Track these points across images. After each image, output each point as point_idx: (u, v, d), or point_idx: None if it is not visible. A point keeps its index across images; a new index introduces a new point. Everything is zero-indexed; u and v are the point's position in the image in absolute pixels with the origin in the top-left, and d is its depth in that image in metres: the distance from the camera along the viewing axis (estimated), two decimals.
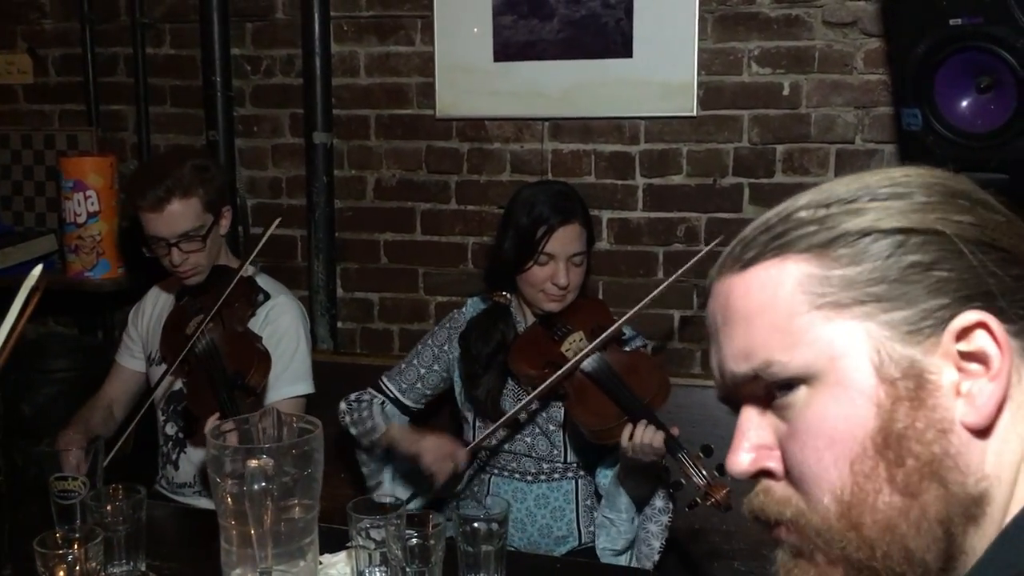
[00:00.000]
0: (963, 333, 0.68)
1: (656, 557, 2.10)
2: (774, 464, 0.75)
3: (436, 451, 2.14)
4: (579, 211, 2.18)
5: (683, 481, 1.96)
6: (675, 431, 1.97)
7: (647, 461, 1.96)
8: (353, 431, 2.31)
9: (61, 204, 2.98)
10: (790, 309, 0.71)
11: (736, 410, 0.78)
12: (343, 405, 2.34)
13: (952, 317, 0.68)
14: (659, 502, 2.10)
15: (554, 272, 2.15)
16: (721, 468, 1.93)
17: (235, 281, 2.21)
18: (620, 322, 2.16)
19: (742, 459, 0.76)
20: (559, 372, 2.09)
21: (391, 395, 2.36)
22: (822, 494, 0.70)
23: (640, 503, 2.10)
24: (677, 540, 2.58)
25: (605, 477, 2.18)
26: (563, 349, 2.17)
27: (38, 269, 1.32)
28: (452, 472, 2.13)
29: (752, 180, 2.67)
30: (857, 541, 0.69)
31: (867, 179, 0.74)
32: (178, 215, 2.23)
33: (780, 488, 0.74)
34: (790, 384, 0.72)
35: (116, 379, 2.51)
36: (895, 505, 0.68)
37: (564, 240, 2.14)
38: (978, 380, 0.68)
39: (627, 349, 2.23)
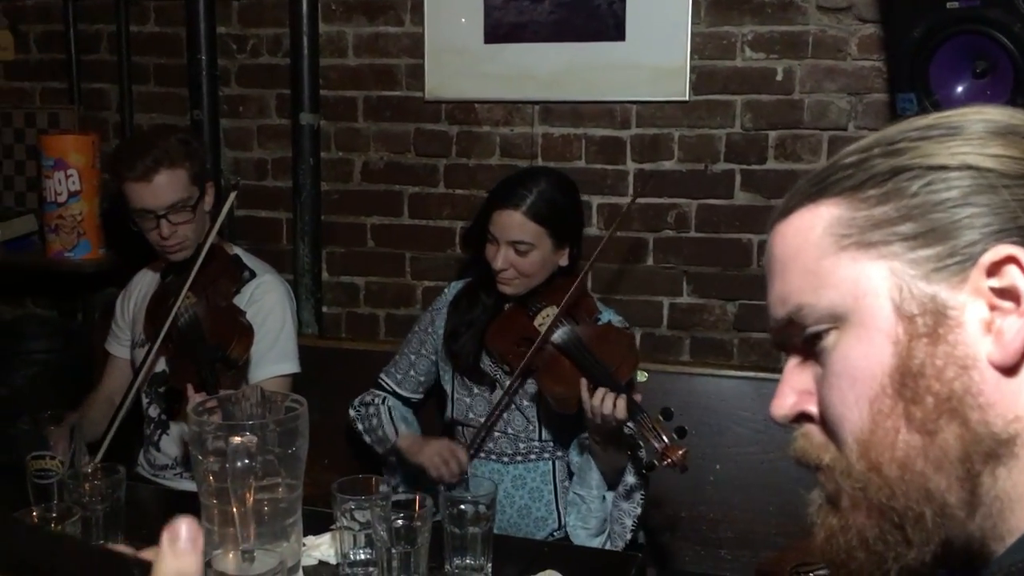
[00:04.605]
0: (994, 268, 0.66)
1: (628, 536, 2.10)
2: (813, 408, 0.75)
3: (438, 457, 2.17)
4: (530, 203, 2.12)
5: (642, 444, 1.99)
6: (637, 397, 1.98)
7: (608, 428, 1.97)
8: (367, 439, 2.33)
9: (42, 183, 2.92)
10: (819, 252, 0.72)
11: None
12: (352, 412, 2.37)
13: (983, 253, 0.66)
14: (630, 478, 2.10)
15: (496, 253, 2.16)
16: (680, 431, 1.93)
17: (206, 248, 2.16)
18: (582, 276, 2.19)
19: (782, 403, 0.76)
20: (532, 347, 2.10)
21: (389, 388, 2.38)
22: (846, 435, 0.70)
23: (611, 479, 2.10)
24: (663, 527, 2.57)
25: (576, 453, 2.18)
26: (536, 324, 2.18)
27: None
28: (457, 473, 2.16)
29: (744, 166, 2.65)
30: (878, 482, 0.68)
31: (921, 119, 0.72)
32: (166, 185, 2.20)
33: (818, 432, 0.74)
34: (821, 327, 0.72)
35: (112, 370, 2.49)
36: (913, 444, 0.67)
37: (502, 225, 2.14)
38: (1008, 316, 0.66)
39: (600, 323, 2.22)
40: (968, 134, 0.69)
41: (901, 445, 0.67)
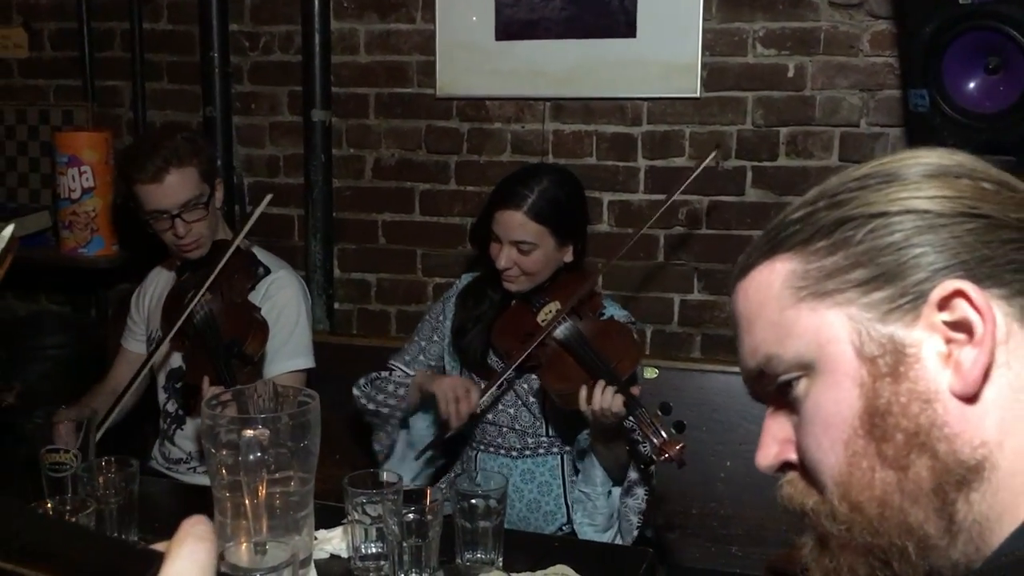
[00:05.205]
0: (944, 303, 0.69)
1: (635, 532, 2.11)
2: (794, 456, 0.77)
3: (451, 392, 2.13)
4: (531, 203, 2.12)
5: (640, 439, 1.98)
6: (635, 391, 1.98)
7: (607, 423, 1.97)
8: (371, 406, 2.30)
9: (56, 180, 2.94)
10: (780, 304, 0.75)
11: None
12: (355, 390, 2.35)
13: (932, 289, 0.69)
14: (633, 474, 2.10)
15: (499, 252, 2.16)
16: (679, 426, 1.93)
17: (231, 251, 2.19)
18: (591, 281, 2.20)
19: (766, 453, 0.79)
20: (535, 341, 2.11)
21: (400, 371, 2.39)
22: (826, 479, 0.73)
23: (615, 475, 2.11)
24: (673, 524, 2.57)
25: (579, 451, 2.19)
26: (539, 320, 2.19)
27: (9, 229, 1.27)
28: (466, 412, 2.12)
29: (755, 163, 2.65)
30: (861, 522, 0.70)
31: (858, 170, 0.76)
32: (178, 185, 2.21)
33: (799, 478, 0.77)
34: (790, 376, 0.75)
35: (122, 364, 2.49)
36: (888, 480, 0.69)
37: (504, 225, 2.15)
38: (964, 348, 0.68)
39: (603, 318, 2.23)
40: (904, 179, 0.73)
41: (878, 483, 0.70)
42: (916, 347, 0.69)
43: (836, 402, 0.71)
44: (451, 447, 2.36)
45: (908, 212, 0.71)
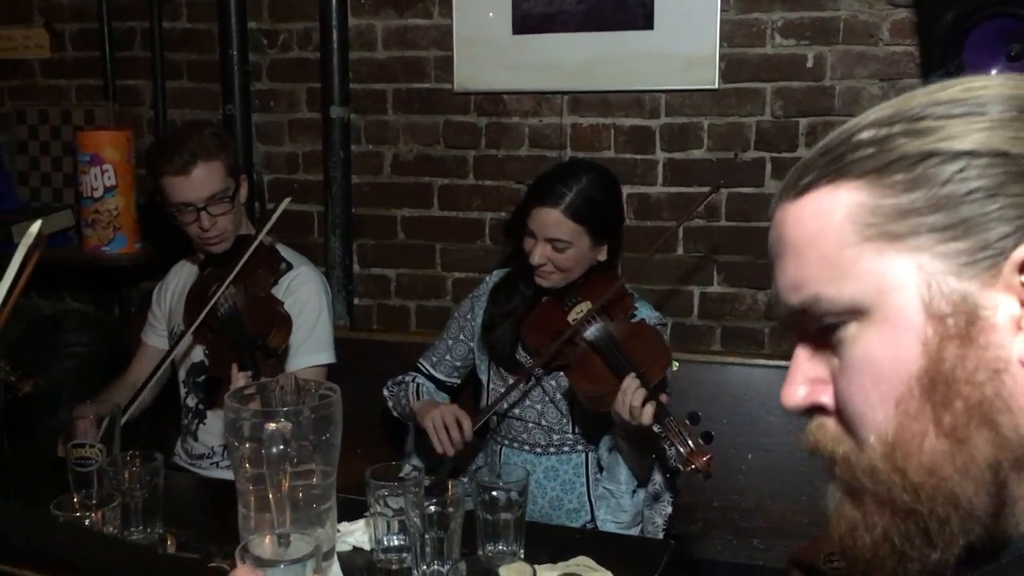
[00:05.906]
0: None
1: (661, 535, 2.10)
2: (827, 399, 0.71)
3: (439, 420, 2.11)
4: (569, 201, 2.12)
5: (667, 448, 1.96)
6: (664, 399, 1.97)
7: (634, 429, 1.96)
8: (395, 414, 2.37)
9: (78, 178, 2.97)
10: (839, 240, 0.67)
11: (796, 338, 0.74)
12: (385, 391, 2.39)
13: (1015, 247, 0.62)
14: (658, 477, 2.10)
15: (533, 247, 2.16)
16: (707, 436, 1.92)
17: (253, 246, 2.21)
18: (620, 281, 2.20)
19: (795, 392, 0.72)
20: (562, 338, 2.12)
21: (425, 371, 2.41)
22: (868, 433, 0.67)
23: (639, 475, 2.11)
24: (695, 517, 2.56)
25: (605, 450, 2.20)
26: (570, 319, 2.19)
27: (36, 225, 1.28)
28: (459, 443, 2.11)
29: (774, 154, 2.64)
30: (902, 484, 0.65)
31: (943, 91, 0.68)
32: (204, 178, 2.24)
33: (833, 425, 0.71)
34: (839, 319, 0.68)
35: (142, 358, 2.52)
36: (941, 449, 0.64)
37: (540, 222, 2.14)
38: None
39: (634, 321, 2.22)
40: (998, 113, 0.65)
41: (928, 450, 0.64)
42: (991, 310, 0.62)
43: (893, 358, 0.65)
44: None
45: (1000, 154, 0.63)
